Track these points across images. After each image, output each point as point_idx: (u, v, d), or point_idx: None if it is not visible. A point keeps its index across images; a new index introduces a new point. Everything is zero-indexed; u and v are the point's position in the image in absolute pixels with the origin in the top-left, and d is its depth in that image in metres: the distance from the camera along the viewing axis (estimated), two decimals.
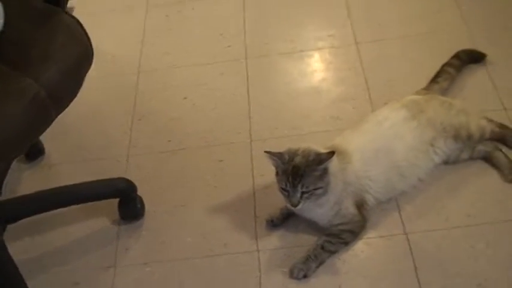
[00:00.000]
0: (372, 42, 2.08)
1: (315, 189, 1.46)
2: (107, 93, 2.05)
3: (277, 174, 1.51)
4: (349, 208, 1.54)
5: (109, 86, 2.10)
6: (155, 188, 1.78)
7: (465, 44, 1.98)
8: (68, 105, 1.23)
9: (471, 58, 1.92)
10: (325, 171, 1.46)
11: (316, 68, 2.05)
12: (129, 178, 1.71)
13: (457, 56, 1.90)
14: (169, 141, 1.90)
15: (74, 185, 1.65)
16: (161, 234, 1.67)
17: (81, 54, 1.24)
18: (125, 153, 1.89)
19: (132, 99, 2.05)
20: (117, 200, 1.70)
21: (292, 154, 1.48)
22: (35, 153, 1.88)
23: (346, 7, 2.21)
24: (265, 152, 1.50)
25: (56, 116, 1.20)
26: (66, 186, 1.65)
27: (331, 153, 1.46)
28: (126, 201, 1.68)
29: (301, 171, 1.45)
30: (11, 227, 1.69)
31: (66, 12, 1.26)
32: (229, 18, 2.27)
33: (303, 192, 1.46)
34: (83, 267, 1.64)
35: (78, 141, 1.96)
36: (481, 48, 1.96)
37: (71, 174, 1.85)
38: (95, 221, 1.73)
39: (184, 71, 2.11)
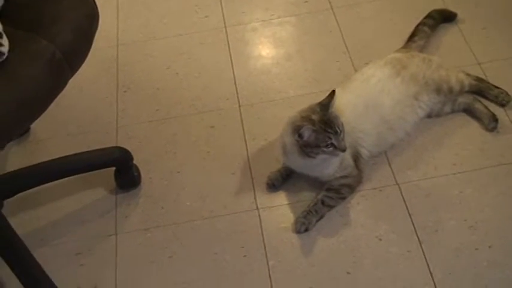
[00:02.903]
0: (346, 6, 2.13)
1: (342, 125, 1.53)
2: (88, 68, 2.00)
3: (308, 146, 1.52)
4: (349, 159, 1.61)
5: (90, 60, 2.06)
6: (148, 156, 1.80)
7: (436, 4, 2.06)
8: (81, 65, 1.25)
9: (443, 17, 2.00)
10: (336, 114, 1.54)
11: (296, 33, 2.09)
12: None
13: (430, 15, 1.98)
14: (157, 110, 1.92)
15: (70, 156, 1.65)
16: (160, 200, 1.70)
17: (89, 14, 1.26)
18: (114, 124, 1.90)
19: (115, 72, 2.05)
20: (113, 169, 1.72)
21: (308, 117, 1.53)
22: None
23: None
24: (300, 129, 1.51)
25: (71, 76, 1.21)
26: (62, 158, 1.65)
27: (332, 92, 1.54)
28: (123, 169, 1.70)
29: (327, 119, 1.52)
30: (5, 203, 1.68)
31: None
32: None
33: (341, 134, 1.52)
34: (84, 238, 1.65)
35: (64, 116, 1.95)
36: (451, 7, 2.05)
37: (59, 149, 1.83)
38: (91, 192, 1.74)
39: (163, 42, 2.13)
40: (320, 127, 1.51)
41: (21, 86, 1.12)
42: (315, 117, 1.52)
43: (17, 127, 1.18)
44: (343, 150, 1.52)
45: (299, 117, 1.54)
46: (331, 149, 1.51)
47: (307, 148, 1.52)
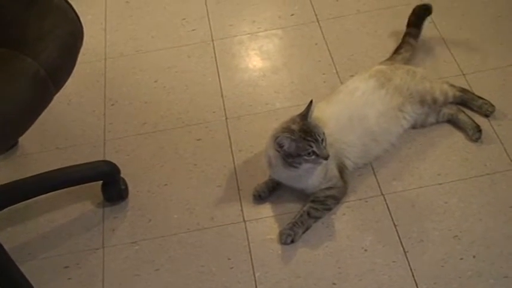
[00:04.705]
0: (332, 18, 2.16)
1: (323, 133, 1.54)
2: (76, 81, 2.04)
3: (290, 156, 1.53)
4: (334, 170, 1.62)
5: (77, 74, 2.07)
6: (136, 169, 1.81)
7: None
8: (65, 82, 1.26)
9: (421, 16, 1.97)
10: (316, 123, 1.55)
11: (283, 46, 2.11)
12: None
13: (409, 23, 1.98)
14: (145, 123, 1.93)
15: (58, 170, 1.66)
16: (147, 213, 1.71)
17: (73, 32, 1.27)
18: (101, 138, 1.91)
19: (102, 86, 2.06)
20: (100, 183, 1.72)
21: (288, 127, 1.55)
22: None
23: None
24: (277, 139, 1.53)
25: (56, 93, 1.22)
26: (49, 172, 1.66)
27: (310, 102, 1.56)
28: (110, 183, 1.71)
29: (307, 127, 1.53)
30: None
31: None
32: (190, 3, 2.30)
33: (322, 142, 1.53)
34: (71, 251, 1.65)
35: (52, 130, 1.96)
36: (435, 19, 2.07)
37: (47, 163, 1.85)
38: (78, 206, 1.75)
39: (151, 56, 2.14)
40: (300, 136, 1.52)
41: (5, 103, 1.14)
42: (294, 126, 1.54)
43: (1, 143, 1.19)
44: (326, 158, 1.53)
45: (280, 128, 1.56)
46: (313, 157, 1.52)
47: (289, 158, 1.53)
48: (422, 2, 2.02)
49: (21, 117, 1.16)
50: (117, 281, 1.58)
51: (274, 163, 1.59)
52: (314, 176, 1.59)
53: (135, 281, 1.57)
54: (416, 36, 1.96)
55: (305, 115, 1.55)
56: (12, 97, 1.15)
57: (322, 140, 1.53)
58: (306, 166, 1.54)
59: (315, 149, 1.51)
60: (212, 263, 1.58)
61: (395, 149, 1.74)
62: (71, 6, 1.30)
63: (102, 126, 1.94)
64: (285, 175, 1.61)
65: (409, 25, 1.98)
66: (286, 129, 1.54)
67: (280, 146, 1.53)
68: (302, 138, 1.52)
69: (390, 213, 1.62)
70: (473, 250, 1.53)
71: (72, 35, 1.28)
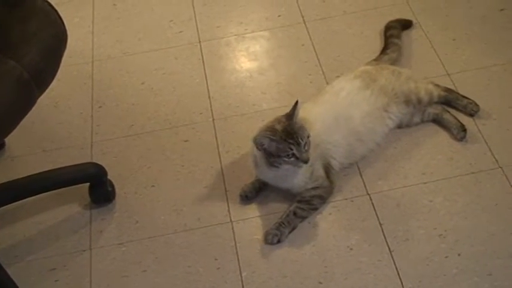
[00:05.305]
0: (319, 20, 2.17)
1: (308, 137, 1.54)
2: (63, 84, 2.05)
3: (271, 155, 1.54)
4: (320, 170, 1.63)
5: (64, 77, 2.09)
6: (123, 171, 1.81)
7: (406, 17, 2.10)
8: (49, 85, 1.26)
9: (402, 25, 2.05)
10: (302, 125, 1.56)
11: (270, 47, 2.12)
12: None
13: (391, 26, 2.02)
14: (132, 125, 1.93)
15: (45, 172, 1.67)
16: (134, 214, 1.71)
17: (57, 35, 1.27)
18: (89, 140, 1.91)
19: (90, 88, 2.07)
20: (87, 185, 1.73)
21: (272, 127, 1.55)
22: None
23: None
24: (255, 140, 1.54)
25: (39, 96, 1.23)
26: (36, 174, 1.66)
27: (295, 103, 1.56)
28: (98, 185, 1.71)
29: (291, 129, 1.54)
30: None
31: None
32: (177, 5, 2.31)
33: (304, 146, 1.53)
34: (58, 253, 1.66)
35: (39, 132, 1.96)
36: (421, 19, 2.09)
37: (34, 165, 1.85)
38: (66, 208, 1.75)
39: (139, 58, 2.15)
40: (281, 137, 1.53)
41: None
42: (278, 127, 1.55)
43: None
44: (305, 162, 1.53)
45: (264, 127, 1.57)
46: (292, 159, 1.53)
47: (270, 158, 1.55)
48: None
49: (4, 120, 1.16)
50: (105, 283, 1.58)
51: (259, 162, 1.60)
52: (300, 176, 1.60)
53: (122, 282, 1.58)
54: (399, 36, 1.98)
55: (291, 115, 1.56)
56: None
57: (305, 143, 1.54)
58: (286, 167, 1.55)
59: (295, 151, 1.52)
60: (199, 263, 1.59)
61: (380, 149, 1.76)
62: (54, 9, 1.30)
63: (89, 129, 1.94)
64: (270, 175, 1.62)
65: (391, 28, 2.00)
66: (269, 128, 1.55)
67: (261, 145, 1.54)
68: (283, 139, 1.52)
69: (376, 213, 1.63)
70: (458, 248, 1.54)
71: (56, 38, 1.28)
